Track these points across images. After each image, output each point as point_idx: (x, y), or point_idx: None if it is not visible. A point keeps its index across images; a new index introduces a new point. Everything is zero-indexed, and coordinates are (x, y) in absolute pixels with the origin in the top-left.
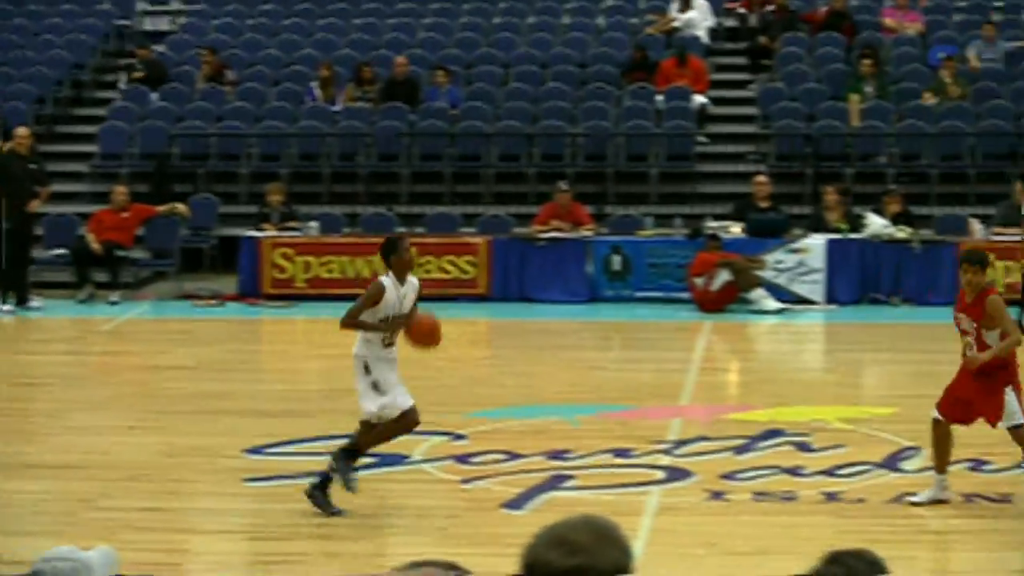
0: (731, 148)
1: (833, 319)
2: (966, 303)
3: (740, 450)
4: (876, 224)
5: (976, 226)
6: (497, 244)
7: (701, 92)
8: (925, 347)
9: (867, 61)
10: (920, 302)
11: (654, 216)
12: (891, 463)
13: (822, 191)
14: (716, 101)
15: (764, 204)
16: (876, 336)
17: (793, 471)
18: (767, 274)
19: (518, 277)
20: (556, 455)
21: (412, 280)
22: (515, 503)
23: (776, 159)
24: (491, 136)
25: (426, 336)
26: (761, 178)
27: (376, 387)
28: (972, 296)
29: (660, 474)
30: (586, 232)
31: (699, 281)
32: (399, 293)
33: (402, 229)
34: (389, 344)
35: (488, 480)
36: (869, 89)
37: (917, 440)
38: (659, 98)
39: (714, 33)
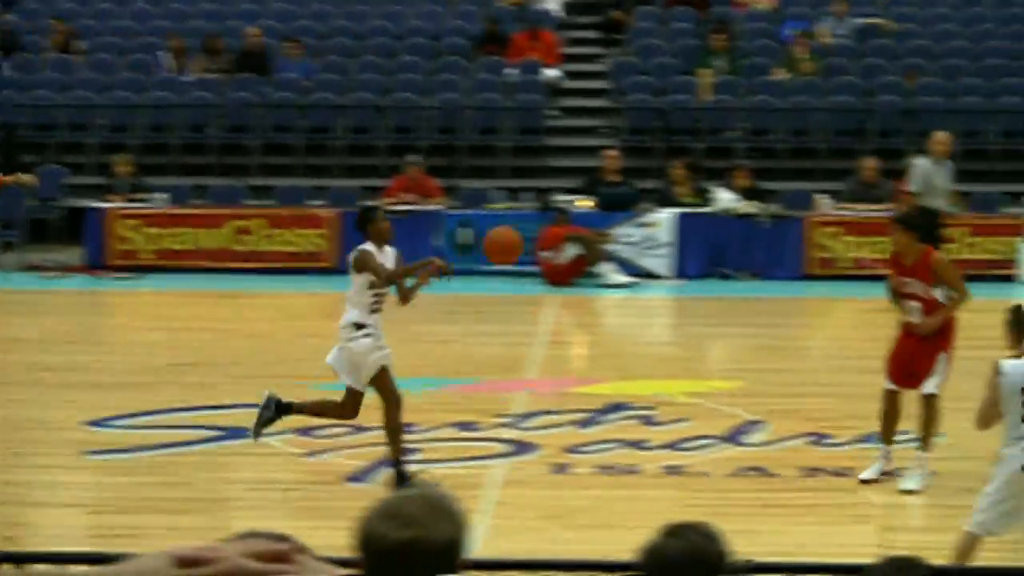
0: (583, 122)
1: (681, 293)
2: (906, 266)
3: (585, 423)
4: (725, 199)
5: (822, 201)
6: (347, 217)
7: (553, 66)
8: (771, 321)
9: (719, 36)
10: (767, 276)
11: (505, 189)
12: (734, 437)
13: (671, 166)
14: (569, 75)
15: (614, 178)
16: (723, 310)
17: (637, 444)
18: (616, 248)
19: None
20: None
21: (389, 248)
22: (359, 476)
23: (628, 133)
24: (342, 108)
25: (503, 250)
26: (611, 152)
27: (371, 336)
28: (913, 259)
29: (505, 447)
30: (436, 205)
31: (548, 255)
32: (382, 259)
33: (252, 201)
34: (375, 310)
35: (332, 453)
36: (721, 64)
37: (761, 414)
38: (511, 71)
39: (568, 7)
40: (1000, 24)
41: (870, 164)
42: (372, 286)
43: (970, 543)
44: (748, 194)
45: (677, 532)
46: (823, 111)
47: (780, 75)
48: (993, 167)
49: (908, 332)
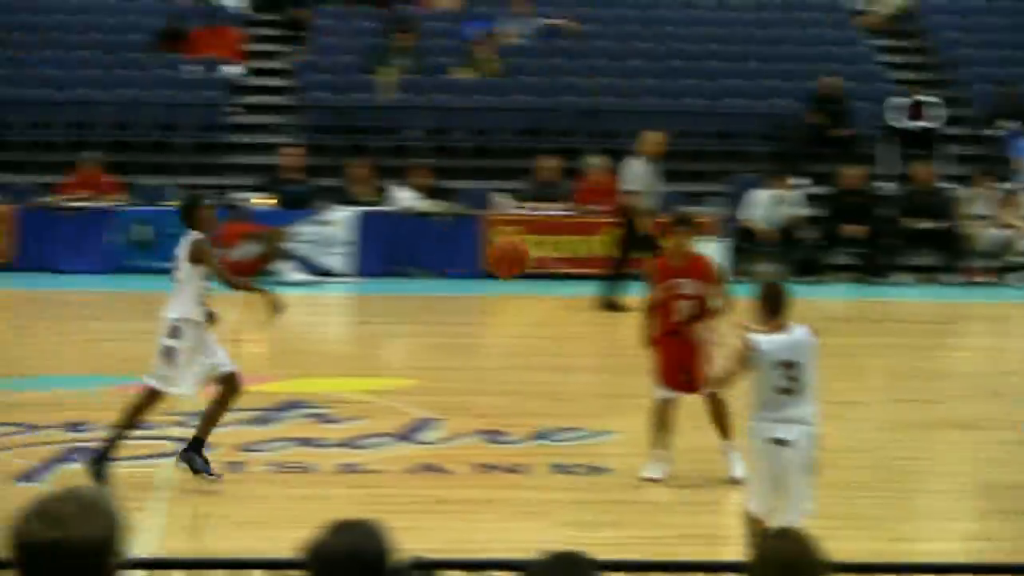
0: (264, 119)
1: (360, 291)
2: (678, 267)
3: (260, 421)
4: (404, 197)
5: (499, 200)
6: (22, 213)
7: (235, 63)
8: (449, 319)
9: (402, 35)
10: (445, 275)
11: (184, 186)
12: (409, 434)
13: (350, 164)
14: (250, 72)
15: (294, 176)
16: (401, 308)
17: (312, 442)
18: (295, 246)
19: (44, 247)
20: (73, 427)
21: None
22: (29, 476)
23: (310, 131)
24: (20, 103)
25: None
26: (290, 150)
27: (169, 355)
28: (683, 260)
29: (178, 446)
30: (112, 202)
31: (226, 252)
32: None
33: None
34: (205, 302)
35: (2, 453)
36: (404, 62)
37: (436, 411)
38: (191, 68)
39: (252, 3)
40: (681, 26)
41: (549, 164)
42: (206, 277)
43: (754, 525)
44: (428, 193)
45: (340, 529)
46: (505, 111)
47: (462, 74)
48: (665, 168)
49: (677, 335)
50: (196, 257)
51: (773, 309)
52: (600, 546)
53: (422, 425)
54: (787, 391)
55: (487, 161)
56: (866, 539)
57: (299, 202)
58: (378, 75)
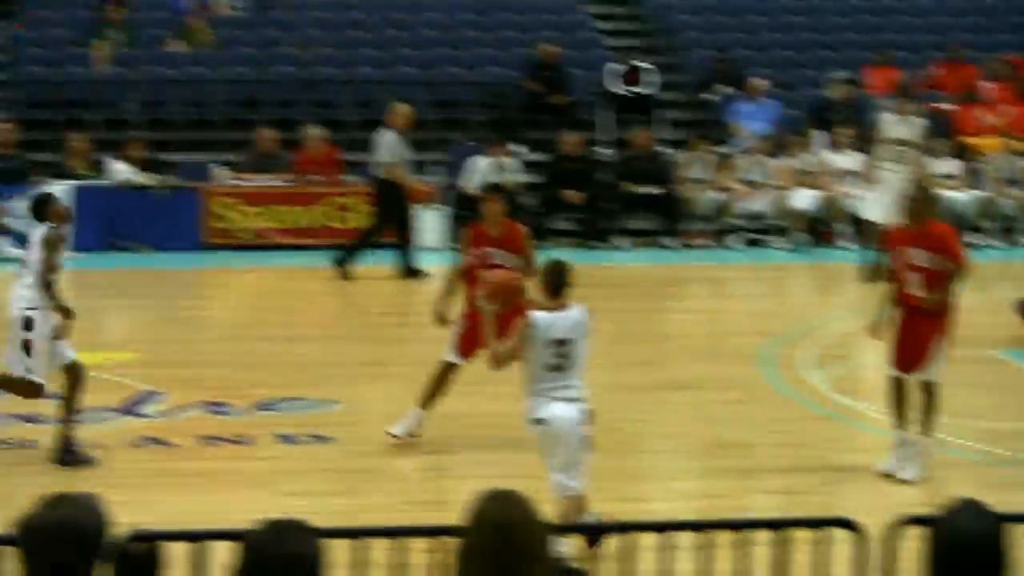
0: None
1: (77, 266)
2: (493, 236)
3: None
4: (121, 171)
5: (217, 172)
6: None
7: None
8: (169, 292)
9: (115, 8)
10: (165, 248)
11: None
12: (131, 408)
13: (66, 138)
14: None
15: (7, 151)
16: (120, 282)
17: (33, 418)
18: (9, 221)
19: None
20: None
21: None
22: None
23: (24, 106)
24: None
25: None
26: (2, 125)
27: (27, 348)
28: (499, 229)
29: None
30: None
31: None
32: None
33: None
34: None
35: None
36: (117, 36)
37: (158, 384)
38: None
39: None
40: None
41: (267, 135)
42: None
43: (566, 506)
44: (145, 166)
45: (54, 503)
46: (220, 82)
47: (176, 47)
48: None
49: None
50: (52, 245)
51: (555, 288)
52: (326, 514)
53: (145, 398)
54: (556, 368)
55: (204, 133)
56: (591, 500)
57: (13, 177)
58: (92, 48)
